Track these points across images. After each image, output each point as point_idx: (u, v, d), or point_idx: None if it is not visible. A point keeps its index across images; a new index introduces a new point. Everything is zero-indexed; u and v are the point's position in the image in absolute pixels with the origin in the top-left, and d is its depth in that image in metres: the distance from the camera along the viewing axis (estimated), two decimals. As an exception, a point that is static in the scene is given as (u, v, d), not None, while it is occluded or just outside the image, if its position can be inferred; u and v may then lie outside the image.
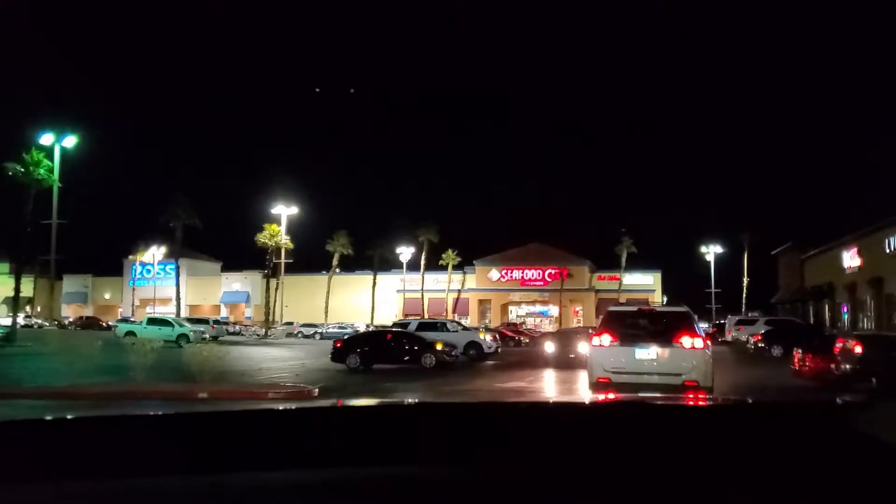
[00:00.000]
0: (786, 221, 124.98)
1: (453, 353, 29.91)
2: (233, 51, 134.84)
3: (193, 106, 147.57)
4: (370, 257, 78.73)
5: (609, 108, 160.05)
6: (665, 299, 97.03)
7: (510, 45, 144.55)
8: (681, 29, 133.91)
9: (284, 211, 60.82)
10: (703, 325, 27.03)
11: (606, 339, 13.11)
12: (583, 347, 26.02)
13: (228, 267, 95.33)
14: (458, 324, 37.42)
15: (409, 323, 36.72)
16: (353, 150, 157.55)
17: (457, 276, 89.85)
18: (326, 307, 72.17)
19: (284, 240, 60.68)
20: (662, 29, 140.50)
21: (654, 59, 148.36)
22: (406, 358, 29.07)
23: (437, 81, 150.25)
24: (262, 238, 60.19)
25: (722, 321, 57.38)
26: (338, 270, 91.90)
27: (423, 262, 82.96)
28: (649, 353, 12.71)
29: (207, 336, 47.46)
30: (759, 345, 37.60)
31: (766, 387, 22.74)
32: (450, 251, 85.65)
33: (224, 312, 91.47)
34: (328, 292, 74.54)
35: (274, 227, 60.10)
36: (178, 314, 57.32)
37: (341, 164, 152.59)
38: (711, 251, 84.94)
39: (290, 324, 73.01)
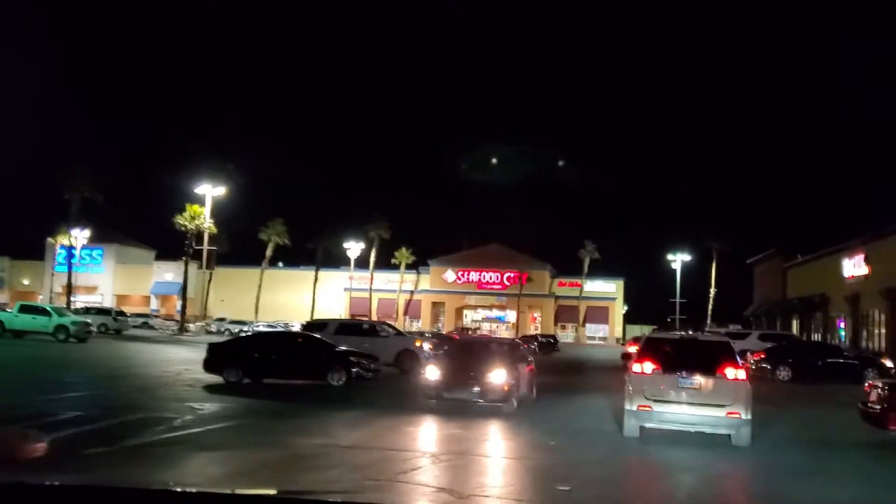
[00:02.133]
0: (760, 230, 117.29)
1: (372, 368, 21.13)
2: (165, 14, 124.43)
3: (131, 80, 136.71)
4: (315, 251, 69.66)
5: (576, 108, 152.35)
6: (626, 308, 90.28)
7: (473, 32, 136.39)
8: (647, 28, 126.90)
9: (210, 191, 51.16)
10: None
11: (649, 366, 12.32)
12: (497, 376, 15.17)
13: (164, 256, 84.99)
14: (391, 327, 28.54)
15: (328, 323, 27.83)
16: (301, 139, 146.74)
17: (410, 277, 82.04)
18: (257, 303, 62.90)
19: (208, 223, 51.05)
20: (631, 27, 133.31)
21: (621, 57, 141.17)
22: (308, 371, 20.44)
23: (390, 69, 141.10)
24: (182, 220, 50.66)
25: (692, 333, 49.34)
26: (280, 265, 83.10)
27: (372, 259, 74.44)
28: (693, 382, 12.01)
29: (94, 329, 38.32)
30: (762, 365, 29.30)
31: (834, 442, 14.31)
32: (403, 249, 77.89)
33: (154, 304, 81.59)
34: (259, 286, 65.40)
35: (196, 207, 50.53)
36: (67, 304, 47.80)
37: (288, 153, 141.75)
38: (678, 259, 76.96)
39: (223, 320, 64.13)
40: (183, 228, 51.01)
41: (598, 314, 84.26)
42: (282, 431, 12.14)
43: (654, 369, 12.24)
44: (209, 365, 20.75)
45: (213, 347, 21.64)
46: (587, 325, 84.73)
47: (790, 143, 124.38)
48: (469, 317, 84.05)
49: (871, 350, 35.09)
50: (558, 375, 29.59)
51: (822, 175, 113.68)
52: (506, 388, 15.16)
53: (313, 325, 27.64)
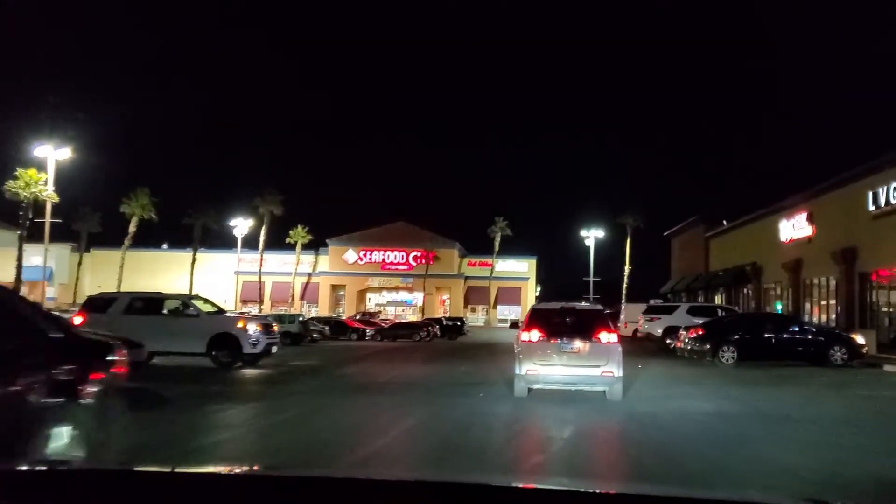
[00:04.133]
0: (679, 201, 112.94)
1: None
2: None
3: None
4: (192, 228, 60.07)
5: (485, 79, 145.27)
6: (539, 289, 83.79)
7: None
8: None
9: (52, 154, 41.23)
10: None
11: (535, 334, 13.10)
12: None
13: (35, 237, 73.78)
14: (210, 304, 19.91)
15: (117, 299, 19.21)
16: (188, 105, 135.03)
17: (307, 258, 73.25)
18: (119, 286, 52.95)
19: (49, 190, 41.24)
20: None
21: (529, 26, 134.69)
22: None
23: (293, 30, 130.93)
24: (14, 187, 40.81)
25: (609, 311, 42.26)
26: (165, 246, 73.44)
27: (262, 237, 65.25)
28: (573, 346, 12.87)
29: None
30: (700, 346, 22.07)
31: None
32: (299, 227, 69.00)
33: (22, 291, 70.39)
34: (122, 266, 55.93)
35: (32, 171, 40.68)
36: None
37: (181, 125, 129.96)
38: (591, 236, 70.44)
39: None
40: (16, 197, 41.13)
41: (510, 295, 77.20)
42: None
43: (539, 337, 12.97)
44: None
45: None
46: (498, 307, 77.55)
47: (707, 104, 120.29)
48: (373, 300, 76.03)
49: (837, 325, 28.45)
50: (425, 365, 22.17)
51: (744, 136, 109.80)
52: None
53: (96, 302, 19.03)
